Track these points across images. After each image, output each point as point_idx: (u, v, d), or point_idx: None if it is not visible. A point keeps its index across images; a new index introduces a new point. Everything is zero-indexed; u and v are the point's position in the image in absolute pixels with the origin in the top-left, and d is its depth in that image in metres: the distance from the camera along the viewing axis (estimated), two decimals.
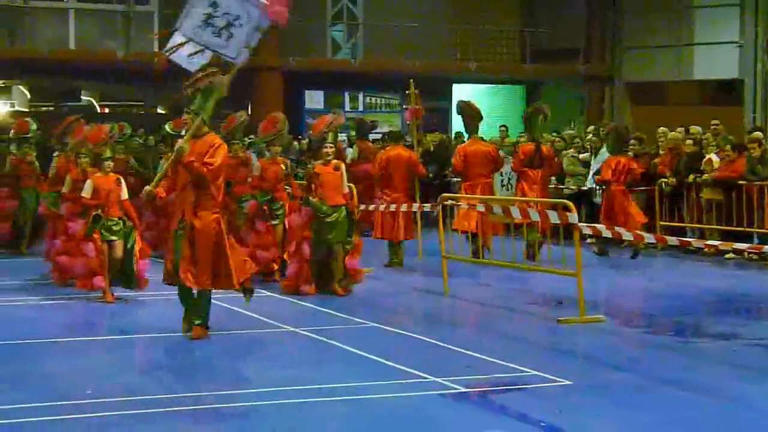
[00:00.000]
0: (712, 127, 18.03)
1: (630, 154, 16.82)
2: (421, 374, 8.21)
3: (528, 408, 7.30)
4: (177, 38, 9.87)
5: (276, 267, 13.37)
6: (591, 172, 18.02)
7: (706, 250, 15.95)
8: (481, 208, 12.90)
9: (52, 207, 13.57)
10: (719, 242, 12.25)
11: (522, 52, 30.04)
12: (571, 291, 10.94)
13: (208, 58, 9.67)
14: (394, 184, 15.10)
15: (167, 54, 9.88)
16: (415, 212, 15.29)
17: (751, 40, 26.76)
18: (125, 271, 11.87)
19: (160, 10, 26.18)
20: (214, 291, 9.75)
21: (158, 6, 26.37)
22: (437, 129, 27.18)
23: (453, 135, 23.69)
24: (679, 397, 7.75)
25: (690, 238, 15.47)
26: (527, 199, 14.53)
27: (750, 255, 14.87)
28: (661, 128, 18.41)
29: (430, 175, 19.64)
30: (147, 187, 9.69)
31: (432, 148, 22.31)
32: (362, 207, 14.52)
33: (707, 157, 16.93)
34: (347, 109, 27.67)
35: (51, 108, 29.71)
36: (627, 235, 11.92)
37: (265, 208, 13.38)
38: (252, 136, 16.38)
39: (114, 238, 11.82)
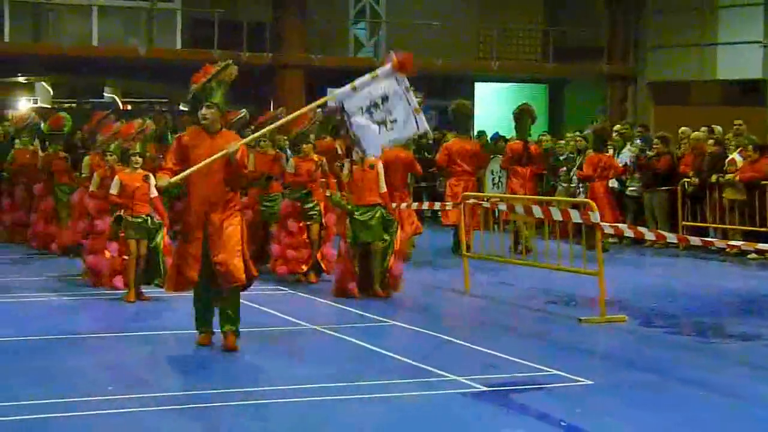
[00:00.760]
0: (734, 127, 17.96)
1: (651, 153, 17.36)
2: (442, 373, 8.21)
3: (548, 408, 7.30)
4: (331, 102, 9.86)
5: (305, 268, 13.13)
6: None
7: (728, 250, 15.93)
8: (503, 207, 12.94)
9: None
10: (742, 242, 12.20)
11: (545, 51, 29.96)
12: (593, 290, 10.93)
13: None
14: (395, 184, 15.03)
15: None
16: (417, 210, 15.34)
17: None
18: (151, 267, 11.80)
19: (182, 8, 26.28)
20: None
21: (181, 3, 26.48)
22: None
23: (475, 133, 23.60)
24: (700, 397, 7.73)
25: (712, 238, 15.43)
26: (550, 198, 14.57)
27: None
28: (684, 128, 18.36)
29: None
30: (172, 179, 9.09)
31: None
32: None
33: (730, 157, 16.87)
34: None
35: (74, 105, 29.80)
36: (649, 235, 11.88)
37: (297, 205, 13.14)
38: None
39: (138, 236, 11.76)
